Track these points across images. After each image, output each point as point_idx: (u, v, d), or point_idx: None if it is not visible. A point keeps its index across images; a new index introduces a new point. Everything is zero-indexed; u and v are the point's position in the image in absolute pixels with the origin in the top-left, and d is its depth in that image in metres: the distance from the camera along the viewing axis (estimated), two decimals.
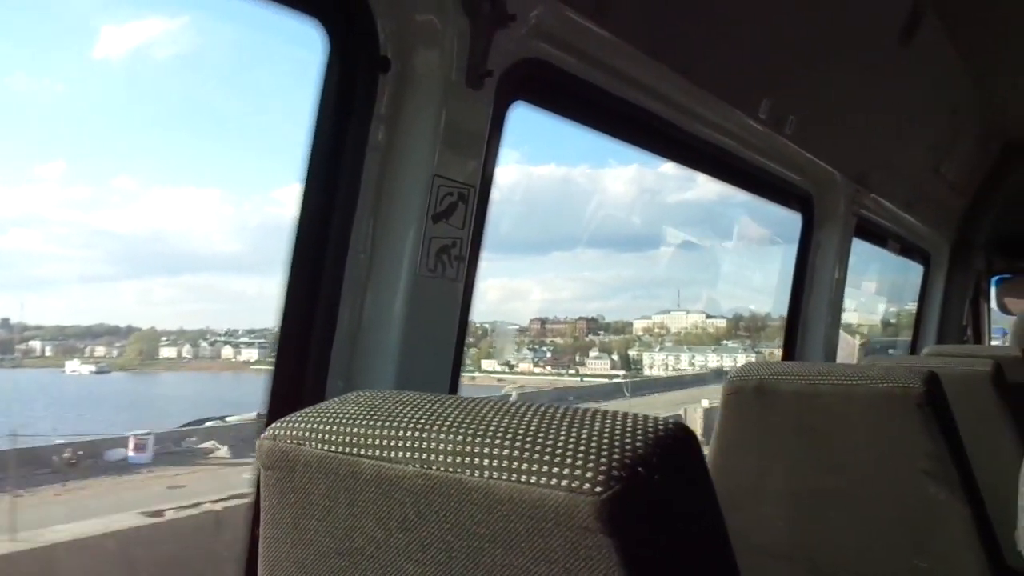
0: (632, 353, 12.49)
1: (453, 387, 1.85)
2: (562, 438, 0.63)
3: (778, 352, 3.71)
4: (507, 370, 11.70)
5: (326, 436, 0.73)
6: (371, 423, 0.72)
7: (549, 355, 12.27)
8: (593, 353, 12.27)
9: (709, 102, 2.54)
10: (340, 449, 0.72)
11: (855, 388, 1.62)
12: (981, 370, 2.37)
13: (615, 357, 12.31)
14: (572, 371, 12.23)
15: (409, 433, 0.69)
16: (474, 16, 1.68)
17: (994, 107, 4.04)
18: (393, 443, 0.69)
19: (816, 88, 2.92)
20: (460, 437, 0.66)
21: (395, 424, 0.71)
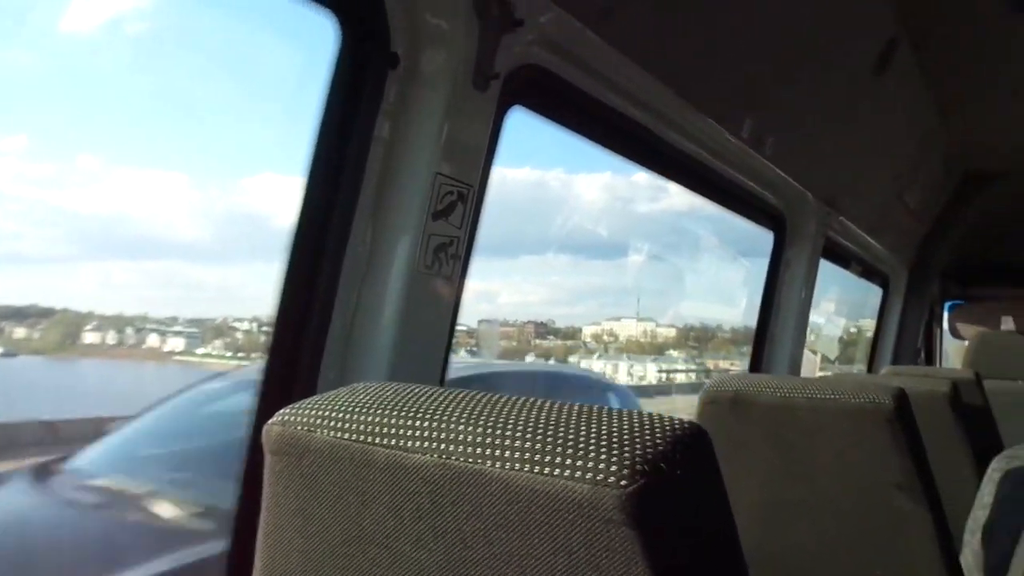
0: (572, 360, 12.29)
1: (442, 382, 1.86)
2: (583, 432, 0.63)
3: (723, 364, 3.80)
4: None
5: (338, 424, 0.73)
6: (385, 412, 0.72)
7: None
8: (529, 358, 11.99)
9: (697, 117, 2.59)
10: (352, 437, 0.72)
11: (828, 402, 1.65)
12: (940, 390, 2.50)
13: (551, 363, 12.10)
14: None
15: (427, 423, 0.69)
16: (483, 19, 1.70)
17: (957, 137, 4.15)
18: (409, 432, 0.69)
19: (795, 111, 3.00)
20: (480, 429, 0.67)
21: (411, 414, 0.71)
